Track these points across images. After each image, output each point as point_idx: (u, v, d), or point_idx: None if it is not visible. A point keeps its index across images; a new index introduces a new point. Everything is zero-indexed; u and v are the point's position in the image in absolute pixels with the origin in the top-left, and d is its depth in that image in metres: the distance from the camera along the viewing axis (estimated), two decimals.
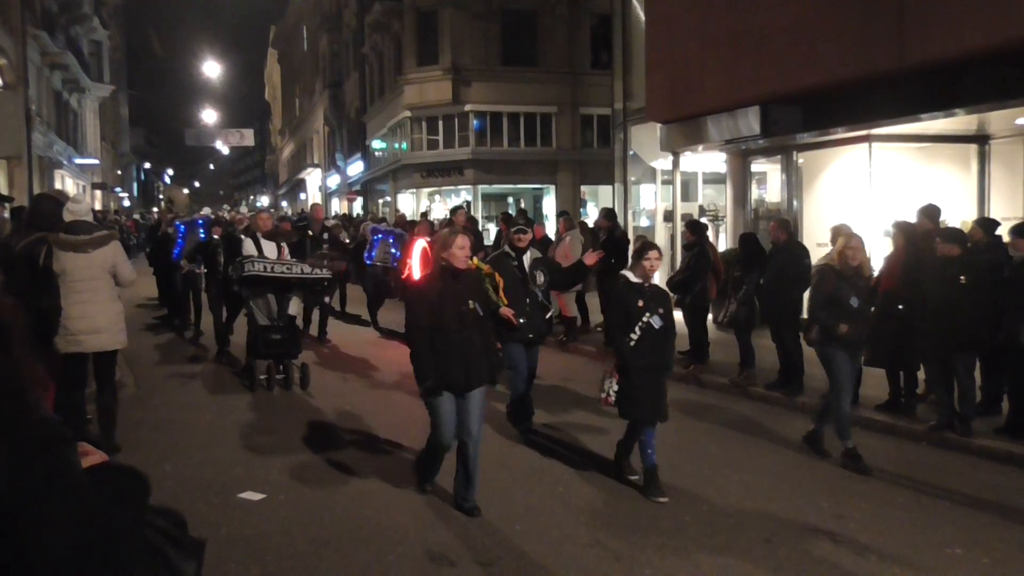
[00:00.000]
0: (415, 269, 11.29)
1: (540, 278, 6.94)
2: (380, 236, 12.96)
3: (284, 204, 53.15)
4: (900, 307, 7.18)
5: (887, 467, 6.23)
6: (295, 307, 8.89)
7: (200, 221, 12.26)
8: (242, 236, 9.43)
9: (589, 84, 26.50)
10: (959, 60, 8.58)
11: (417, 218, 21.11)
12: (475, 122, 27.57)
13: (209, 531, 4.84)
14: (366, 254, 12.85)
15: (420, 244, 11.35)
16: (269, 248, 9.09)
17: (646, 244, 5.89)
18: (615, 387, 5.58)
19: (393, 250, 12.56)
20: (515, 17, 27.38)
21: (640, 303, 5.55)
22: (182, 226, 12.21)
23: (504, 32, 27.36)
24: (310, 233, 11.91)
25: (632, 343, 5.52)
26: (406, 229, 14.23)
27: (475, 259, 5.75)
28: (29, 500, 1.29)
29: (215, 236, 11.06)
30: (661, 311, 5.58)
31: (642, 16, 15.78)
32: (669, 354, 5.85)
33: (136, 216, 37.79)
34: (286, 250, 9.43)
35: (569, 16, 27.38)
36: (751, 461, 6.39)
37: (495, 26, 27.28)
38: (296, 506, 5.30)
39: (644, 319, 5.52)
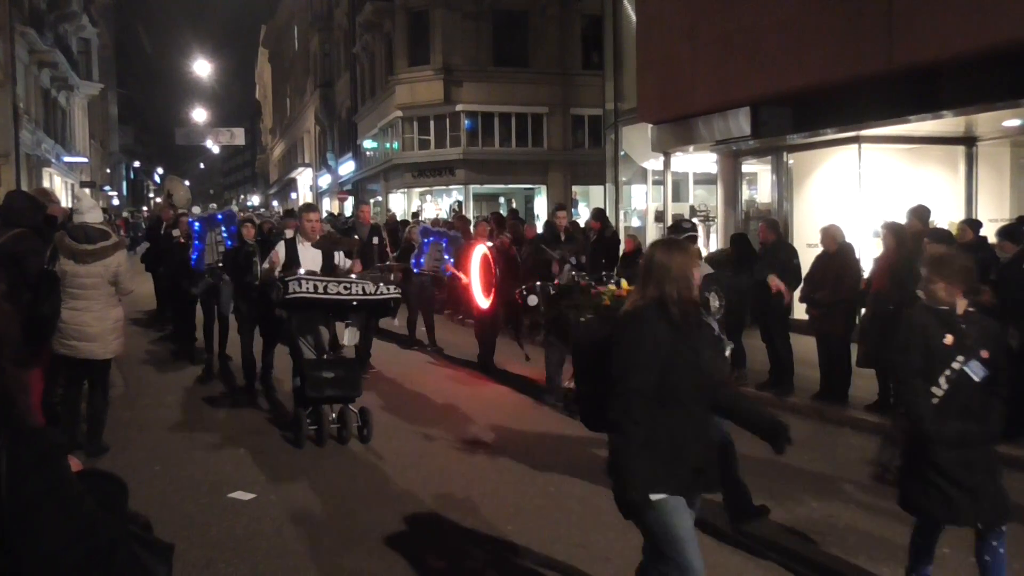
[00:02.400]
0: (476, 284, 9.62)
1: (715, 303, 4.99)
2: (431, 239, 11.13)
3: (275, 204, 52.93)
4: (891, 307, 7.21)
5: None
6: (351, 336, 7.07)
7: (219, 216, 10.08)
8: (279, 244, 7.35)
9: (580, 85, 26.55)
10: (947, 63, 8.65)
11: (409, 218, 20.98)
12: (466, 122, 27.57)
13: (199, 531, 4.83)
14: (413, 260, 10.95)
15: (480, 251, 9.69)
16: (311, 259, 6.97)
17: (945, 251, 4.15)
18: (897, 461, 3.89)
19: (445, 255, 10.78)
20: (506, 17, 27.42)
21: (948, 339, 3.64)
22: (197, 224, 9.86)
23: (495, 32, 27.39)
24: (356, 238, 10.07)
25: (936, 400, 3.64)
26: (448, 229, 12.18)
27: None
28: (30, 512, 1.27)
29: (247, 240, 8.70)
30: (985, 354, 3.61)
31: (633, 17, 15.83)
32: (995, 418, 3.72)
33: (125, 214, 37.59)
34: (342, 260, 7.30)
35: (560, 17, 27.42)
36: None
37: (486, 26, 27.30)
38: (287, 506, 5.29)
39: (955, 365, 3.61)
